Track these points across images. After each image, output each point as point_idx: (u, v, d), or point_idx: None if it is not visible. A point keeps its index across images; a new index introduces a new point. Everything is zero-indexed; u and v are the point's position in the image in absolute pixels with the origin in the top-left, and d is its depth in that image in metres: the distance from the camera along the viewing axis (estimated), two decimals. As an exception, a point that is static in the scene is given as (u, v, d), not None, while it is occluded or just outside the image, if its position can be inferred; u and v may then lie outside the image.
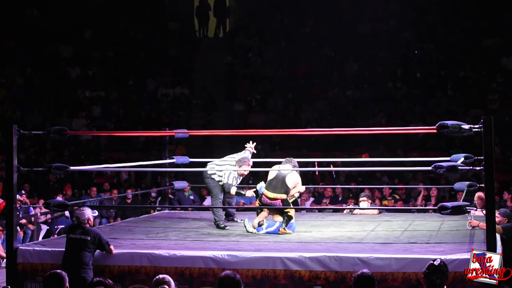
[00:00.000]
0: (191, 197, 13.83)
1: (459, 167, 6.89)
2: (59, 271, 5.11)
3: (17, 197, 7.86)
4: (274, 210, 8.42)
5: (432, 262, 5.02)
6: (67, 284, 5.00)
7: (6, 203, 7.64)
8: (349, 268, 6.54)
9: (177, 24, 21.07)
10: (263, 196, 8.41)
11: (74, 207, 9.27)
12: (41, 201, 12.49)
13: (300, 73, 19.06)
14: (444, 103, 17.25)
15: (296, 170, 8.55)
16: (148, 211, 11.63)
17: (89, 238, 7.03)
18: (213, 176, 9.12)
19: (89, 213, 7.33)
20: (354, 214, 10.44)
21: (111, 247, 7.12)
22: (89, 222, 7.30)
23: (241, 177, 9.18)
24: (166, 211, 11.02)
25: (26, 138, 15.73)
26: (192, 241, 7.82)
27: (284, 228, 8.29)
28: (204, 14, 21.21)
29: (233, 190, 8.90)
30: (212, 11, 21.20)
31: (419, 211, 11.61)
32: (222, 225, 8.90)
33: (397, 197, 13.20)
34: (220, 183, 9.07)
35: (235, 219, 9.50)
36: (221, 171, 9.08)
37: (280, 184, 8.36)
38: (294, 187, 8.42)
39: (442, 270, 4.98)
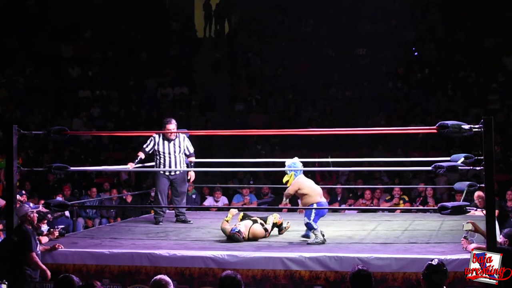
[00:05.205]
0: (193, 196, 13.82)
1: (459, 167, 6.88)
2: (70, 275, 5.08)
3: (18, 197, 7.86)
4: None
5: (430, 262, 5.01)
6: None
7: (6, 203, 7.62)
8: (349, 268, 6.47)
9: (177, 24, 21.07)
10: None
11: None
12: (42, 201, 12.47)
13: (300, 73, 19.05)
14: (444, 103, 17.24)
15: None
16: (148, 211, 11.61)
17: (16, 239, 6.80)
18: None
19: (27, 209, 7.03)
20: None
21: (33, 254, 6.79)
22: (29, 218, 6.98)
23: (171, 142, 9.64)
24: (166, 211, 10.99)
25: (26, 138, 15.71)
26: (192, 241, 7.82)
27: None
28: (208, 14, 21.25)
29: (142, 155, 9.36)
30: (213, 11, 21.24)
31: (418, 211, 11.62)
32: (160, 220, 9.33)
33: (406, 198, 13.22)
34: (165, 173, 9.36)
35: (184, 219, 9.49)
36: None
37: None
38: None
39: (442, 270, 4.97)
